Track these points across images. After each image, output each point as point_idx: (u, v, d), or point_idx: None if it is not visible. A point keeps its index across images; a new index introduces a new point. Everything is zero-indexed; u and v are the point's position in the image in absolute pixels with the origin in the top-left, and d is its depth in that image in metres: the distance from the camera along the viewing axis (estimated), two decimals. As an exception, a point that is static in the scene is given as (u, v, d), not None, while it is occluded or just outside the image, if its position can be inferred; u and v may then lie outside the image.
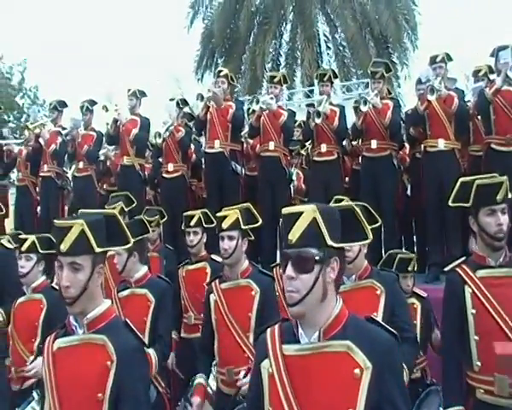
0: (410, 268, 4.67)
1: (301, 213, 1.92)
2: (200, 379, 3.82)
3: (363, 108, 6.62)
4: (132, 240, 3.77)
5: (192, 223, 5.23)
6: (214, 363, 3.85)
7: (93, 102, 7.96)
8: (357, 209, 2.03)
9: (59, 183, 8.12)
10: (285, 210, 1.98)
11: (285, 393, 1.92)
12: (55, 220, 2.30)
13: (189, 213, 5.41)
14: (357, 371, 1.86)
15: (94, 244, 2.21)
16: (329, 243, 1.89)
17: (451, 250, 6.03)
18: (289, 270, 1.92)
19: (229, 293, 3.79)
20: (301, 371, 1.93)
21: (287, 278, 1.93)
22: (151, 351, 3.81)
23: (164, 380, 4.22)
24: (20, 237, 4.54)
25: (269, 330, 2.09)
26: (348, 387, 1.86)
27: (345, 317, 1.97)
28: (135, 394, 2.23)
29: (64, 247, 2.20)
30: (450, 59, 6.57)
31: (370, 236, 2.02)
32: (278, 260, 6.52)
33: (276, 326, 2.07)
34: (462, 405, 3.03)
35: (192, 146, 7.87)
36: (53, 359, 2.30)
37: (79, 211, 2.71)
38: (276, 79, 7.31)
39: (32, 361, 3.87)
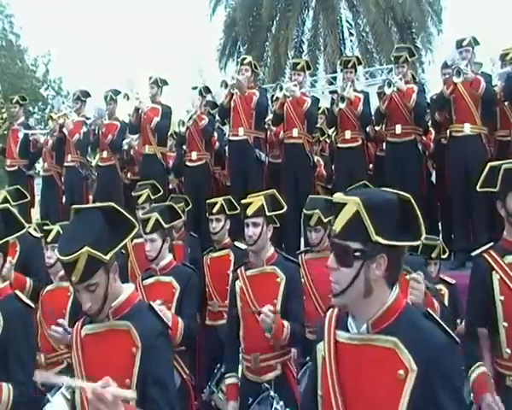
0: (433, 255, 4.59)
1: (345, 203, 1.81)
2: (231, 379, 3.84)
3: (388, 91, 6.56)
4: (163, 226, 3.77)
5: (214, 210, 5.24)
6: (239, 349, 3.87)
7: (117, 92, 7.99)
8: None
9: (83, 172, 8.19)
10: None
11: (332, 380, 1.88)
12: (60, 255, 2.19)
13: (212, 200, 5.43)
14: (401, 372, 1.75)
15: (103, 257, 2.16)
16: (374, 238, 1.75)
17: (477, 236, 5.95)
18: (331, 260, 1.86)
19: (254, 280, 3.79)
20: (350, 360, 1.86)
21: (328, 267, 1.87)
22: (180, 320, 3.85)
23: (188, 367, 4.26)
24: (45, 228, 4.59)
25: (329, 311, 2.01)
26: (391, 387, 1.76)
27: (398, 310, 1.83)
28: (161, 378, 2.24)
29: (75, 278, 2.17)
30: (477, 43, 6.47)
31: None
32: (302, 247, 6.53)
33: (336, 309, 1.98)
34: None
35: (215, 134, 7.88)
36: (81, 345, 2.34)
37: (72, 207, 2.45)
38: (299, 66, 7.28)
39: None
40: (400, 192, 1.87)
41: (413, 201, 1.84)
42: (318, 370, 1.97)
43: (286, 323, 3.60)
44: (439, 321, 1.85)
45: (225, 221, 5.29)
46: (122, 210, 2.32)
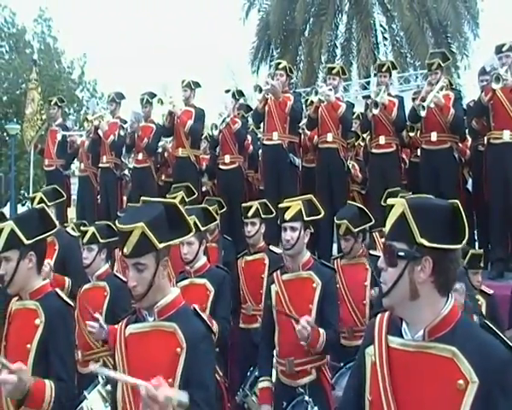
0: (482, 264, 4.53)
1: (393, 205, 1.85)
2: (265, 383, 3.82)
3: (423, 113, 6.44)
4: (201, 228, 3.80)
5: (250, 214, 5.25)
6: (274, 353, 3.86)
7: (153, 95, 8.10)
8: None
9: (117, 173, 8.32)
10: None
11: (384, 386, 1.86)
12: (118, 224, 2.31)
13: (247, 204, 5.45)
14: (460, 382, 1.72)
15: (156, 243, 2.23)
16: (419, 240, 1.76)
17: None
18: (380, 260, 1.89)
19: (290, 284, 3.78)
20: (403, 367, 1.85)
21: (379, 268, 1.91)
22: (215, 323, 3.87)
23: (222, 369, 4.27)
24: (81, 228, 4.68)
25: (379, 316, 2.00)
26: (450, 397, 1.73)
27: (455, 319, 1.83)
28: (204, 381, 2.26)
29: (127, 250, 2.25)
30: (517, 48, 6.33)
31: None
32: (334, 252, 6.50)
33: (386, 314, 1.97)
34: None
35: (249, 137, 7.90)
36: (125, 344, 2.36)
37: (141, 198, 2.75)
38: (334, 71, 7.28)
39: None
40: (452, 200, 1.87)
41: (460, 206, 1.83)
42: (367, 374, 1.96)
43: (321, 331, 3.59)
44: (500, 334, 1.81)
45: (260, 225, 5.29)
46: (183, 211, 2.40)
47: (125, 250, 2.26)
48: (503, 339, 1.78)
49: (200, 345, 2.27)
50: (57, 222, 3.20)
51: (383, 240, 1.92)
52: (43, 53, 22.46)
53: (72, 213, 8.97)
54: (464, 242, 1.80)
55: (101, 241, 4.42)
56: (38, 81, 10.89)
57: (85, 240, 4.40)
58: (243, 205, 5.46)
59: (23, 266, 2.83)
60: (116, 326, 2.50)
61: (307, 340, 3.49)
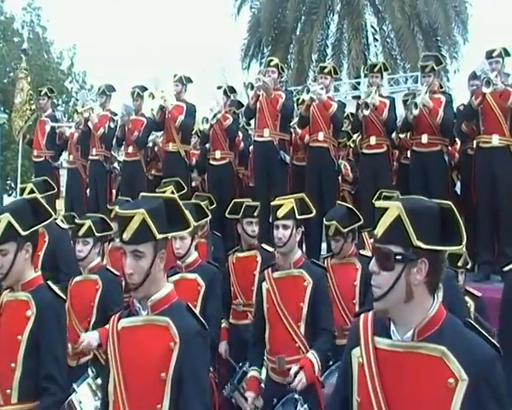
0: (460, 263, 4.55)
1: (387, 209, 1.85)
2: (253, 372, 3.85)
3: (415, 112, 6.49)
4: (193, 224, 3.85)
5: (256, 213, 5.22)
6: (265, 351, 3.88)
7: (143, 88, 8.05)
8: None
9: (107, 166, 8.28)
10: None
11: (373, 387, 1.87)
12: (118, 209, 2.34)
13: (252, 203, 5.40)
14: (451, 380, 1.75)
15: (155, 232, 2.24)
16: (416, 243, 1.78)
17: (504, 249, 5.91)
18: (372, 264, 1.89)
19: (281, 282, 3.80)
20: (392, 368, 1.86)
21: (370, 271, 1.91)
22: None
23: (211, 364, 4.27)
24: (76, 222, 4.65)
25: (362, 316, 2.01)
26: (440, 396, 1.76)
27: (441, 319, 1.86)
28: (197, 376, 2.26)
29: (126, 236, 2.25)
30: (507, 54, 6.42)
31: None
32: (323, 251, 6.53)
33: (370, 314, 1.98)
34: None
35: (239, 134, 7.90)
36: (117, 338, 2.36)
37: (140, 195, 2.77)
38: (326, 70, 7.28)
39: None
40: (440, 200, 1.90)
41: (454, 208, 1.85)
42: (354, 376, 1.97)
43: (313, 358, 3.58)
44: (482, 332, 1.86)
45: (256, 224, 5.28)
46: (182, 206, 2.41)
47: (124, 236, 2.26)
48: (486, 337, 1.83)
49: (193, 341, 2.27)
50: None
51: (372, 241, 1.92)
52: (32, 42, 22.19)
53: (60, 204, 8.93)
54: (464, 243, 1.83)
55: (97, 234, 4.42)
56: (28, 71, 10.79)
57: (81, 233, 4.37)
58: (246, 204, 5.39)
59: (20, 257, 2.82)
60: (107, 327, 2.49)
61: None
